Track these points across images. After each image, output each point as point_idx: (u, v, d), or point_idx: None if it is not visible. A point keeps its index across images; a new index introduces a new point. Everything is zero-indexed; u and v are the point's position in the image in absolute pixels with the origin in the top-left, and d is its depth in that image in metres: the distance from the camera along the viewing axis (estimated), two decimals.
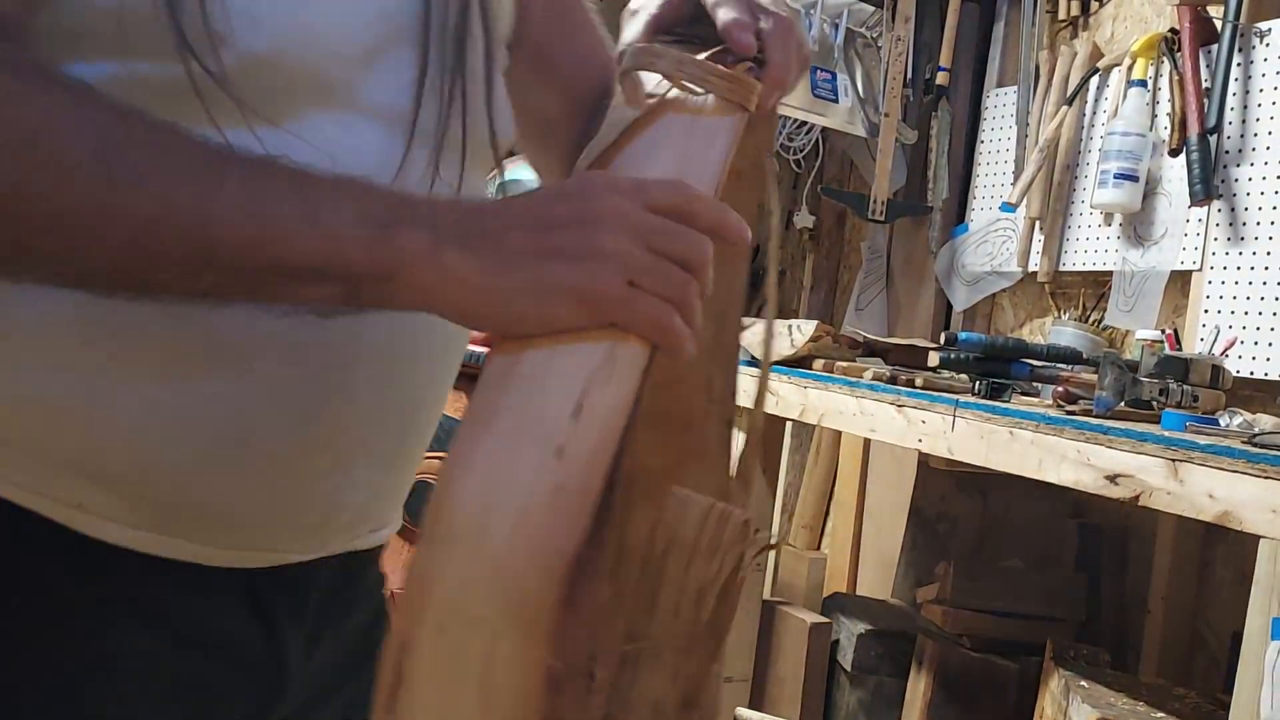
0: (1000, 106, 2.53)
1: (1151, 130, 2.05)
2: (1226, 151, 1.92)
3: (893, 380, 1.81)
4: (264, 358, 0.61)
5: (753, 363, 2.23)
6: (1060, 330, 2.17)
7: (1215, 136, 1.90)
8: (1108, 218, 2.16)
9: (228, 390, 0.61)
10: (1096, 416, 1.44)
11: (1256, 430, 1.31)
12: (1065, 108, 2.24)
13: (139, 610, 0.62)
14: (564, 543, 0.43)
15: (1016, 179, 2.33)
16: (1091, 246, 2.21)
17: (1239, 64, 1.90)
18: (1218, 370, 1.52)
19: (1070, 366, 1.72)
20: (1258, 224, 1.87)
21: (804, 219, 3.16)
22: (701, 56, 0.65)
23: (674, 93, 0.64)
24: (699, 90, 0.64)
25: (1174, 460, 1.24)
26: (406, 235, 0.51)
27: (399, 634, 0.43)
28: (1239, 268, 1.89)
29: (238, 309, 0.54)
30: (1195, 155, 1.88)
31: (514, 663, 0.42)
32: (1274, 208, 1.85)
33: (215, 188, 0.50)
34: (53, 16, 0.56)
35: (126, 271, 0.51)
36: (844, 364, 1.95)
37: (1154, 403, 1.47)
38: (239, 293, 0.53)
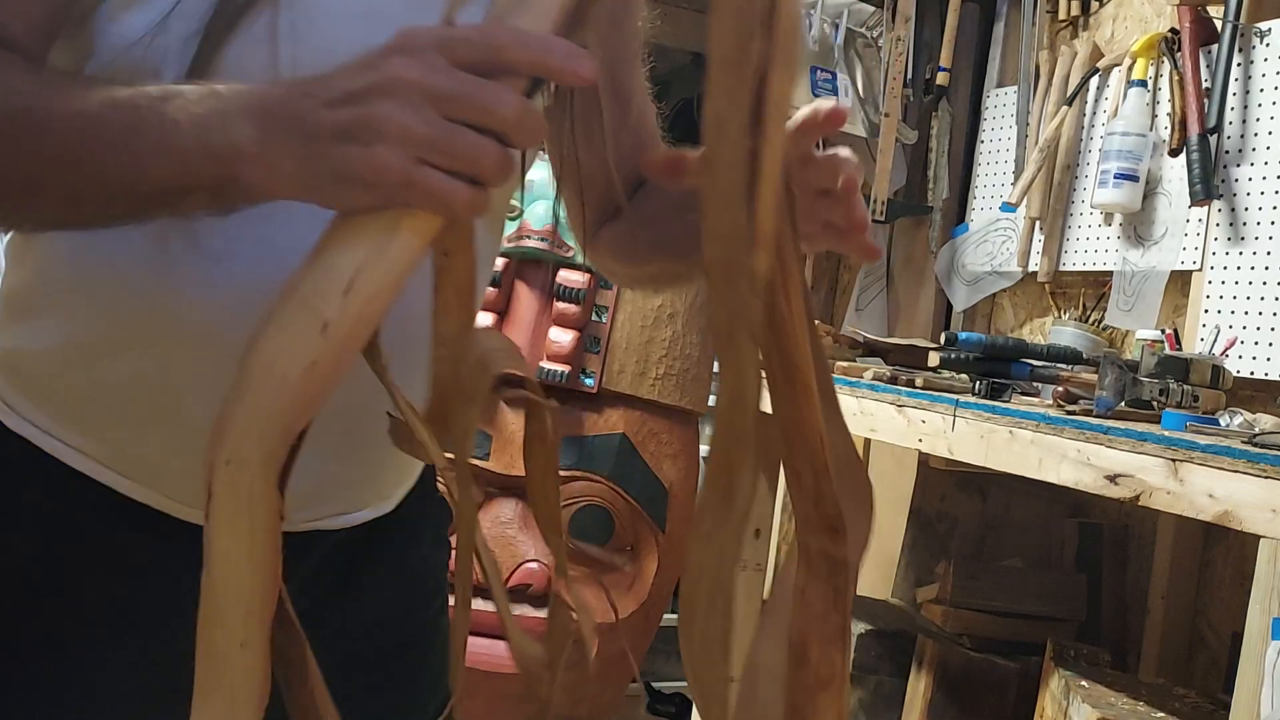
0: (1000, 106, 2.53)
1: (1152, 130, 2.05)
2: (1226, 151, 1.92)
3: (893, 380, 1.81)
4: (210, 337, 0.67)
5: None
6: (1060, 330, 2.17)
7: (1215, 136, 1.90)
8: (1108, 218, 2.17)
9: (168, 364, 0.70)
10: (1097, 416, 1.44)
11: (1257, 430, 1.32)
12: (1065, 108, 2.24)
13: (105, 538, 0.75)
14: (303, 410, 0.51)
15: (1017, 179, 2.33)
16: (1091, 246, 2.21)
17: (1239, 64, 1.90)
18: (1218, 370, 1.52)
19: (1070, 366, 1.72)
20: (1258, 224, 1.87)
21: None
22: None
23: None
24: None
25: (1174, 460, 1.24)
26: (239, 133, 0.52)
27: (207, 457, 0.51)
28: (1239, 268, 1.89)
29: (200, 295, 0.64)
30: (1195, 155, 1.88)
31: (261, 504, 0.51)
32: (1274, 207, 1.85)
33: (100, 129, 0.55)
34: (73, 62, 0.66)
35: (59, 213, 0.60)
36: (844, 364, 1.95)
37: (1154, 403, 1.47)
38: (148, 214, 0.58)
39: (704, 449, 2.31)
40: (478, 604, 2.21)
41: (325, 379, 0.51)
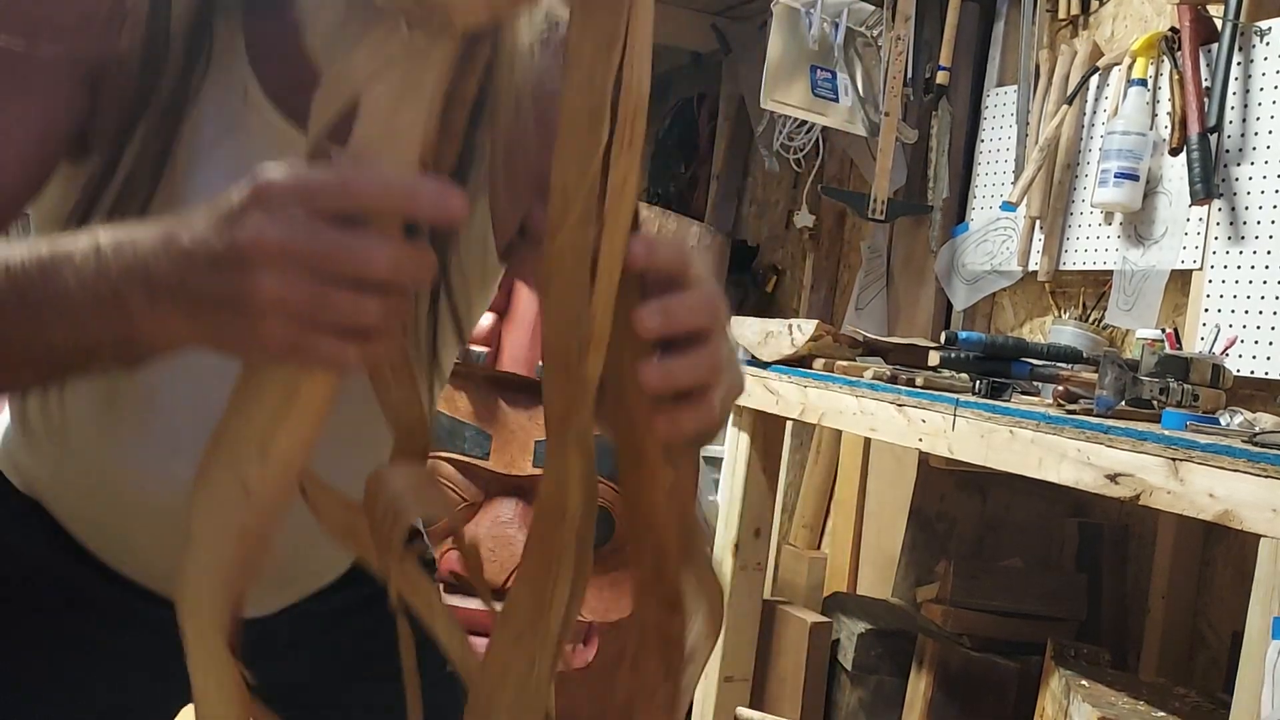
0: (1000, 106, 2.53)
1: (1152, 129, 2.05)
2: (1227, 150, 1.92)
3: (893, 379, 1.81)
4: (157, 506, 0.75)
5: (753, 362, 2.23)
6: (1060, 329, 2.17)
7: (1215, 135, 1.90)
8: (1108, 217, 2.16)
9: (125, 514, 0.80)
10: (1097, 416, 1.44)
11: (1257, 429, 1.31)
12: (1065, 107, 2.24)
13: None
14: (239, 579, 0.54)
15: (1017, 178, 2.33)
16: (1092, 246, 2.21)
17: (1239, 63, 1.90)
18: (1218, 369, 1.52)
19: (1070, 366, 1.72)
20: (1258, 223, 1.87)
21: (804, 218, 3.15)
22: None
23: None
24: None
25: (1174, 459, 1.24)
26: (127, 298, 0.53)
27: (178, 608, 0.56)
28: (1239, 267, 1.89)
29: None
30: (1195, 154, 1.88)
31: (216, 654, 0.55)
32: (1274, 207, 1.85)
33: (16, 308, 0.56)
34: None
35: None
36: (844, 363, 1.95)
37: (1154, 402, 1.47)
38: (57, 378, 0.62)
39: (703, 449, 2.31)
40: (477, 604, 2.20)
41: (257, 541, 0.54)
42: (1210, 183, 1.88)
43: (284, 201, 0.49)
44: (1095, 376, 1.51)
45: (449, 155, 0.54)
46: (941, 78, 2.55)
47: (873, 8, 2.54)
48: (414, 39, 0.50)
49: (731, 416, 2.30)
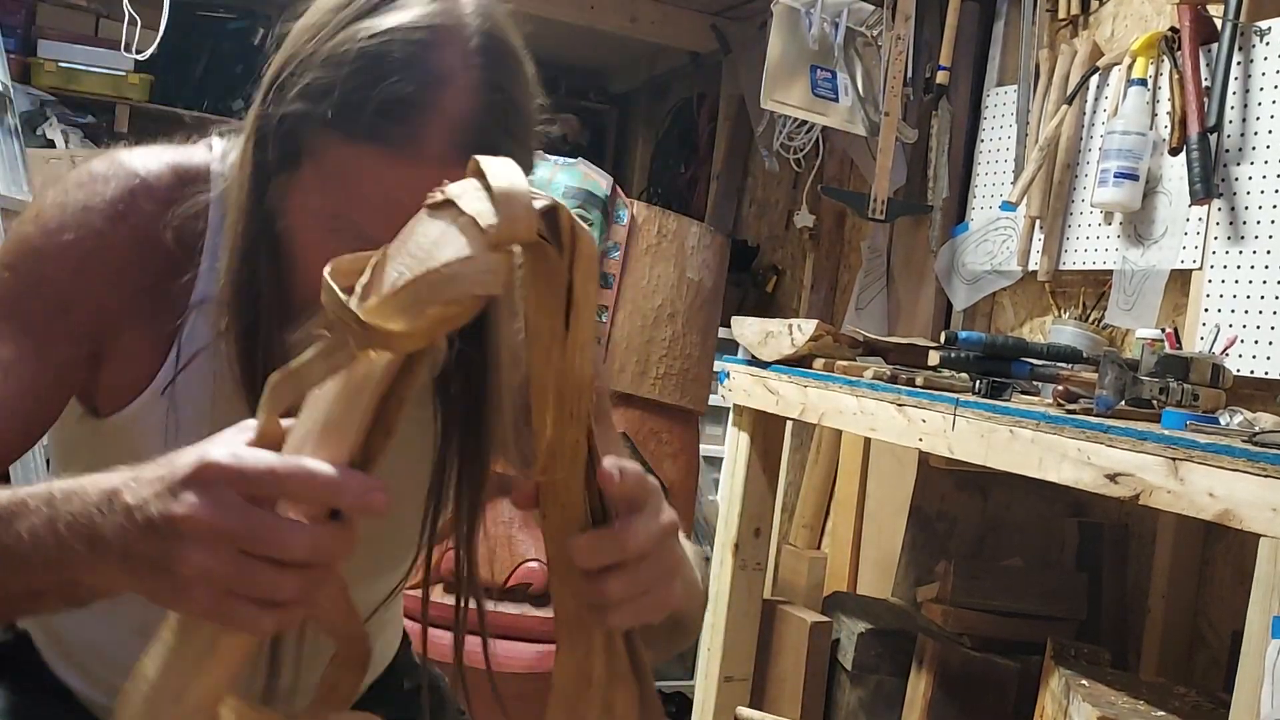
0: (1000, 105, 2.53)
1: (1151, 129, 2.05)
2: (1226, 150, 1.92)
3: (893, 379, 1.81)
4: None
5: (753, 361, 2.23)
6: (1060, 329, 2.17)
7: (1215, 135, 1.90)
8: (1108, 217, 2.17)
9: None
10: (1097, 415, 1.44)
11: (1257, 429, 1.32)
12: (1065, 106, 2.24)
13: None
14: None
15: (1017, 178, 2.33)
16: (1092, 245, 2.21)
17: (1239, 63, 1.90)
18: (1218, 369, 1.52)
19: (1070, 365, 1.72)
20: (1258, 223, 1.87)
21: (804, 218, 3.16)
22: None
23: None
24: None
25: (1174, 459, 1.24)
26: (72, 551, 0.59)
27: None
28: (1239, 266, 1.89)
29: None
30: (1195, 154, 1.88)
31: None
32: (1274, 206, 1.85)
33: None
34: None
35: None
36: (844, 363, 1.95)
37: (1154, 401, 1.47)
38: (11, 616, 0.82)
39: (704, 449, 2.31)
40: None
41: None
42: (1210, 182, 1.88)
43: (220, 481, 0.55)
44: (1095, 376, 1.51)
45: (380, 446, 0.60)
46: (941, 77, 2.55)
47: (873, 7, 2.54)
48: (360, 354, 0.57)
49: (732, 416, 2.30)
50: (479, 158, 0.58)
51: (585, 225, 0.58)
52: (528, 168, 0.76)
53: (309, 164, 0.75)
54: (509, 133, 0.77)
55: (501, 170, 0.56)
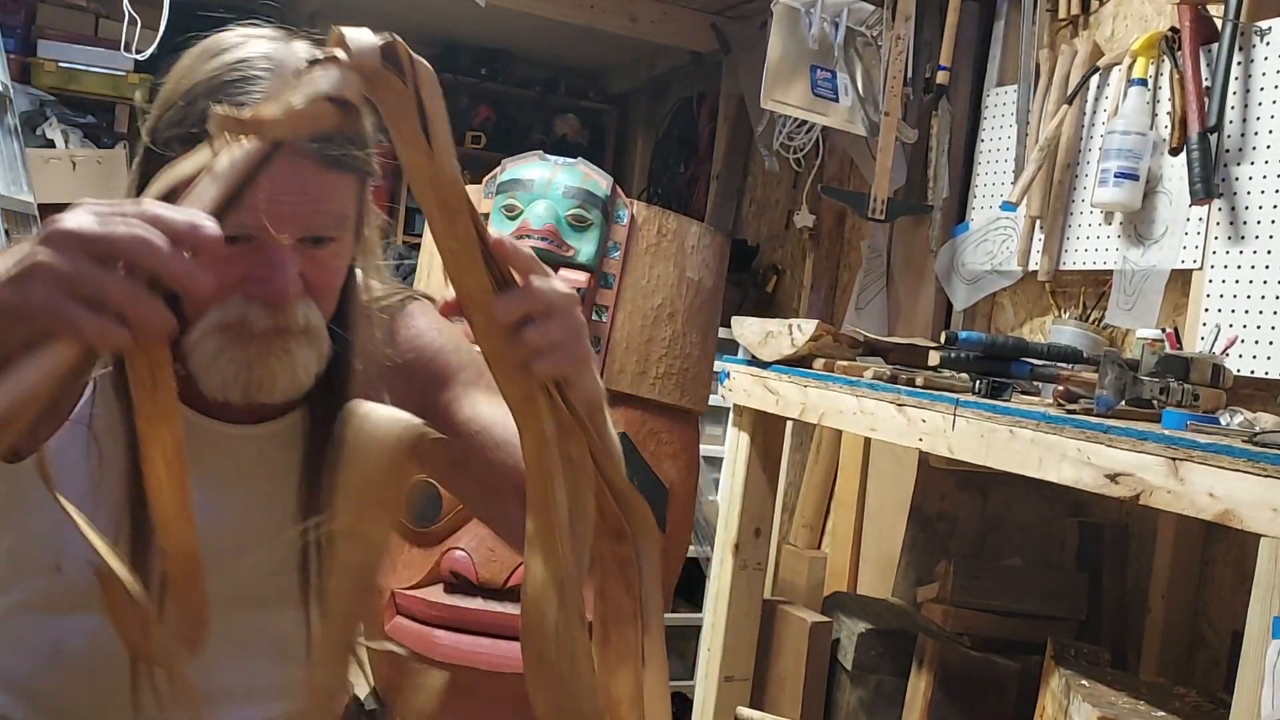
0: (1000, 105, 2.53)
1: (1152, 129, 2.05)
2: (1227, 150, 1.92)
3: (893, 379, 1.81)
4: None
5: (753, 361, 2.23)
6: (1060, 329, 2.17)
7: (1215, 135, 1.90)
8: (1108, 216, 2.16)
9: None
10: (1097, 415, 1.44)
11: (1257, 429, 1.31)
12: (1065, 106, 2.24)
13: None
14: None
15: (1017, 178, 2.33)
16: (1092, 245, 2.21)
17: (1239, 63, 1.90)
18: (1218, 369, 1.52)
19: (1070, 365, 1.72)
20: (1258, 223, 1.87)
21: (804, 218, 3.16)
22: None
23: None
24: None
25: (1174, 459, 1.24)
26: None
27: None
28: (1239, 266, 1.89)
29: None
30: (1195, 154, 1.88)
31: None
32: (1274, 206, 1.85)
33: None
34: None
35: None
36: (844, 363, 1.95)
37: (1154, 401, 1.47)
38: None
39: (704, 449, 2.31)
40: (477, 604, 2.21)
41: None
42: (1210, 182, 1.88)
43: (66, 242, 0.64)
44: (1095, 376, 1.50)
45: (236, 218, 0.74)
46: (941, 77, 2.55)
47: (873, 7, 2.54)
48: (230, 146, 0.70)
49: (732, 416, 2.30)
50: (339, 27, 0.72)
51: (421, 59, 0.72)
52: (366, 170, 0.92)
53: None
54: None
55: (354, 30, 0.72)
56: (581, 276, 2.00)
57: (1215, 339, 1.82)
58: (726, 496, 2.28)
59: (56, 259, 0.62)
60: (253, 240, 0.86)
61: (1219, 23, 1.91)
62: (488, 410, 1.04)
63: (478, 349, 0.80)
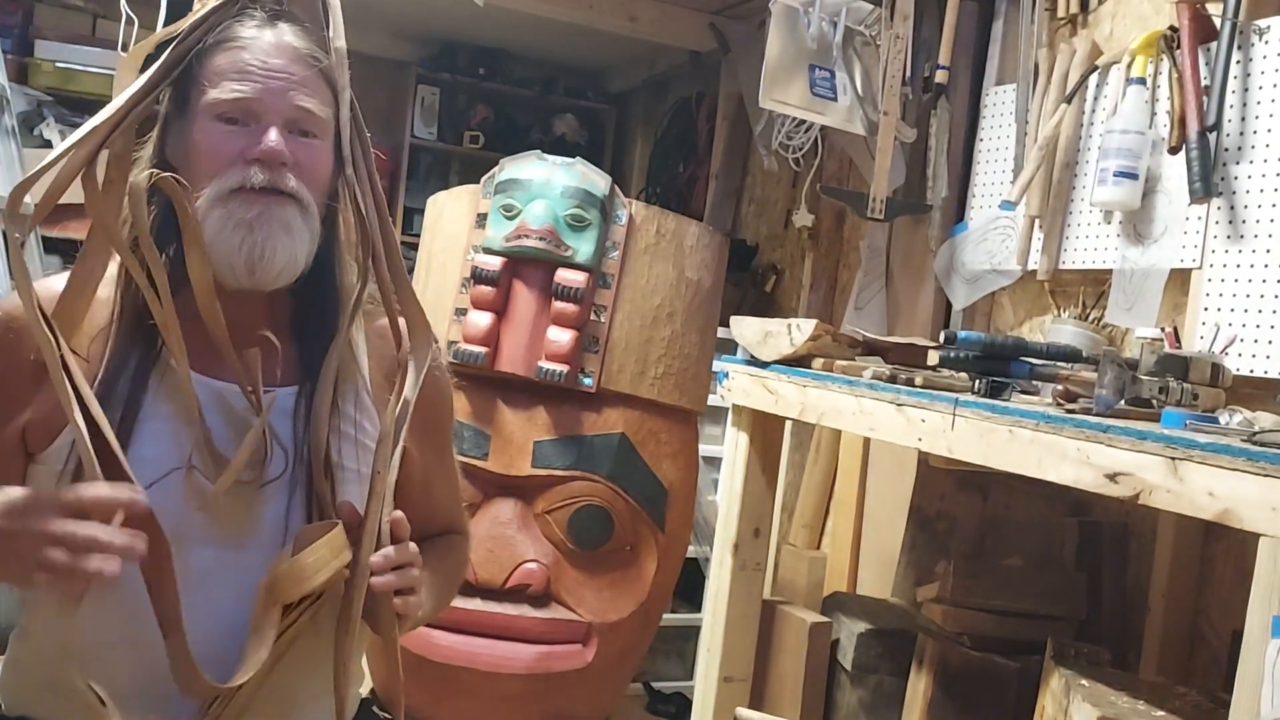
0: (999, 104, 2.53)
1: (1151, 128, 2.05)
2: (1226, 149, 1.92)
3: (892, 379, 1.81)
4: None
5: (752, 361, 2.22)
6: (1060, 328, 2.17)
7: (1215, 134, 1.90)
8: (1107, 216, 2.16)
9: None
10: (1096, 415, 1.44)
11: (1256, 428, 1.31)
12: (1064, 105, 2.24)
13: None
14: None
15: (1016, 177, 2.33)
16: (1091, 244, 2.21)
17: (1238, 61, 1.90)
18: (1217, 368, 1.52)
19: (1070, 365, 1.72)
20: (1257, 222, 1.87)
21: (803, 218, 3.15)
22: None
23: None
24: None
25: (1174, 458, 1.24)
26: None
27: None
28: (1239, 265, 1.89)
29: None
30: (1195, 153, 1.88)
31: None
32: (1273, 205, 1.84)
33: None
34: None
35: None
36: (843, 363, 1.95)
37: (1154, 401, 1.47)
38: None
39: (703, 449, 2.31)
40: (477, 604, 2.20)
41: None
42: (1209, 181, 1.87)
43: (44, 507, 0.90)
44: (1095, 376, 1.50)
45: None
46: (940, 76, 2.55)
47: (871, 6, 2.54)
48: None
49: (731, 416, 2.30)
50: None
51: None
52: (337, 81, 1.08)
53: (194, 90, 1.05)
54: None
55: None
56: (580, 276, 1.99)
57: (1214, 338, 1.82)
58: (726, 496, 2.28)
59: (50, 535, 0.88)
60: (248, 117, 1.03)
61: (1218, 21, 1.91)
62: (437, 474, 1.25)
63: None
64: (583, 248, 2.01)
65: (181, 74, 1.05)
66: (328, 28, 1.08)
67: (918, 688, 2.09)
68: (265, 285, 1.04)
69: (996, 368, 1.72)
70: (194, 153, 1.04)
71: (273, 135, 1.02)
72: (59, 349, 0.94)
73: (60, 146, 0.97)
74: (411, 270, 2.43)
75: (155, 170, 1.00)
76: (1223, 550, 1.97)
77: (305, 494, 1.06)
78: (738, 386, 2.18)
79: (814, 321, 2.00)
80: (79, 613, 0.98)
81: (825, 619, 2.28)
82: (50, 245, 2.98)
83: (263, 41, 1.05)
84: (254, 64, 1.04)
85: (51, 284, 1.04)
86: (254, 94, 1.03)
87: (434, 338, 1.13)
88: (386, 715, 1.24)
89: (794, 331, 2.02)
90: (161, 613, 0.96)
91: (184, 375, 1.01)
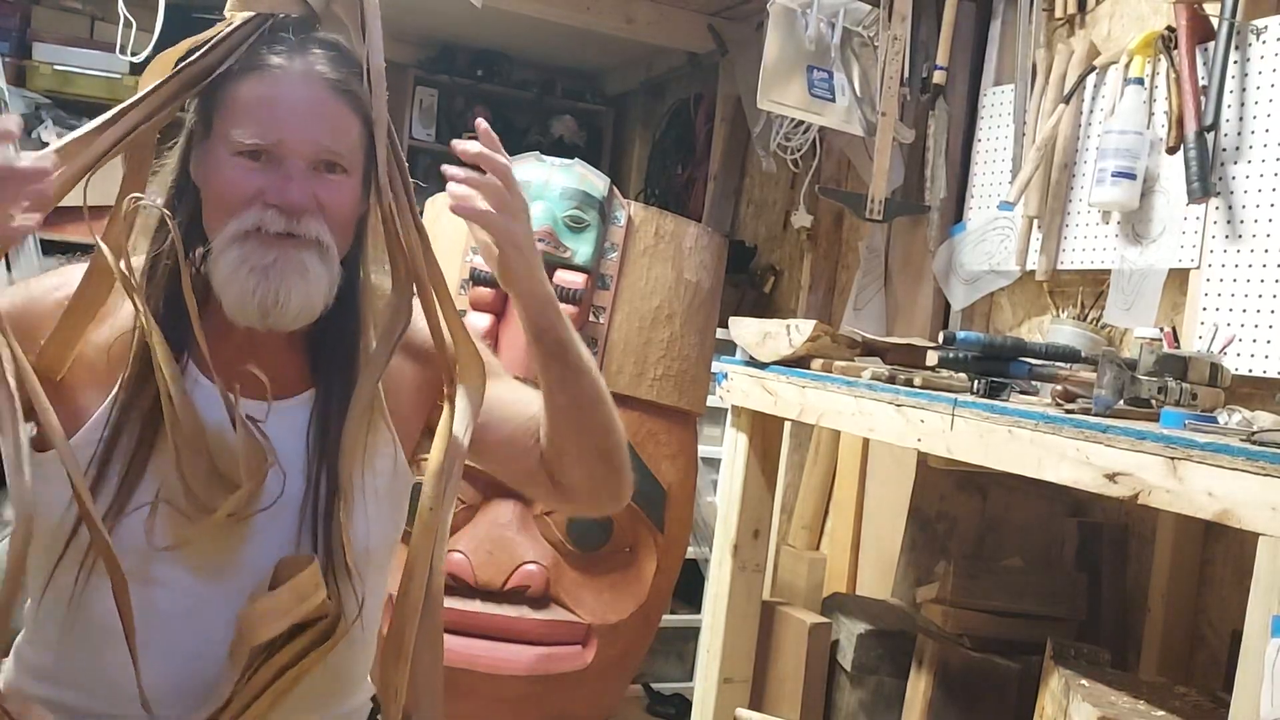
0: (998, 105, 2.53)
1: (1149, 128, 2.05)
2: (1224, 149, 1.92)
3: (891, 380, 1.81)
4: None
5: (751, 362, 2.23)
6: (1059, 329, 2.17)
7: (1213, 134, 1.90)
8: (1106, 216, 2.16)
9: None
10: (1095, 415, 1.44)
11: (1255, 428, 1.31)
12: (1063, 106, 2.24)
13: None
14: None
15: (1014, 177, 2.33)
16: (1089, 245, 2.21)
17: (1236, 61, 1.90)
18: (1216, 368, 1.52)
19: (1069, 365, 1.72)
20: (1255, 221, 1.87)
21: (801, 219, 3.15)
22: None
23: None
24: None
25: (1173, 458, 1.24)
26: None
27: None
28: (1237, 265, 1.89)
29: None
30: (1193, 153, 1.88)
31: None
32: (1271, 205, 1.85)
33: None
34: None
35: None
36: (842, 363, 1.95)
37: (1153, 401, 1.47)
38: None
39: (703, 450, 2.31)
40: (476, 605, 2.20)
41: None
42: (1207, 181, 1.88)
43: None
44: (1094, 376, 1.50)
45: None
46: (938, 77, 2.55)
47: (869, 7, 2.54)
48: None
49: (730, 417, 2.30)
50: None
51: None
52: (368, 111, 1.03)
53: (218, 115, 1.01)
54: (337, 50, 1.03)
55: None
56: (579, 278, 1.99)
57: (1213, 338, 1.82)
58: (725, 498, 2.28)
59: None
60: (270, 157, 0.98)
61: (1215, 21, 1.91)
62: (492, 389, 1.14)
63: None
64: (581, 249, 2.01)
65: (208, 90, 1.00)
66: (364, 40, 1.01)
67: (917, 688, 2.08)
68: (280, 329, 0.99)
69: (995, 368, 1.72)
70: (214, 183, 1.00)
71: (294, 188, 0.97)
72: (14, 358, 0.92)
73: (53, 144, 1.01)
74: None
75: (139, 197, 1.00)
76: (1222, 550, 1.97)
77: (313, 516, 1.01)
78: (737, 387, 2.18)
79: (813, 322, 2.00)
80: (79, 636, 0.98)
81: (825, 620, 2.28)
82: (49, 248, 2.98)
83: (291, 72, 0.99)
84: (280, 99, 0.99)
85: (71, 274, 1.02)
86: (277, 135, 0.97)
87: (484, 372, 1.08)
88: None
89: (793, 332, 2.02)
90: (129, 642, 0.94)
91: (179, 403, 0.97)
